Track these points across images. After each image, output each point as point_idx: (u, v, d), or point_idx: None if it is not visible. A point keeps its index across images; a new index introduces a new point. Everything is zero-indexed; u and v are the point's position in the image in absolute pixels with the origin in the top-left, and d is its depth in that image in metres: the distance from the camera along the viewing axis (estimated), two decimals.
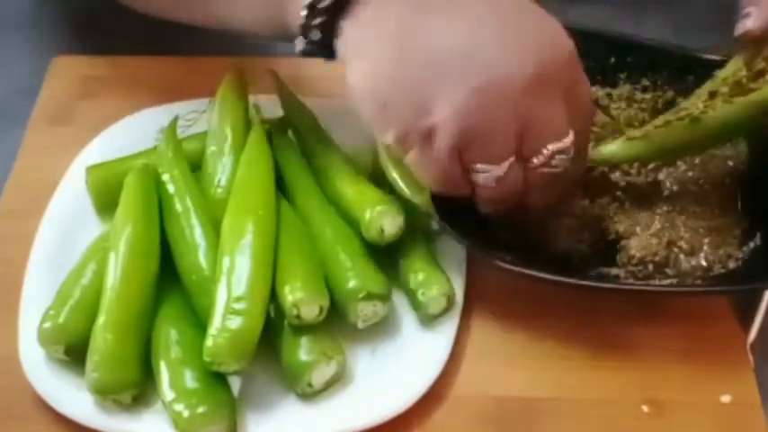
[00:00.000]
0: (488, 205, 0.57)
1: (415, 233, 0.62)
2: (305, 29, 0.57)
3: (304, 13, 0.56)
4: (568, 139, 0.54)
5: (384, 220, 0.60)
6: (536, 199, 0.57)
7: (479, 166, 0.54)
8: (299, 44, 0.58)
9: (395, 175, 0.64)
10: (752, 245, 0.61)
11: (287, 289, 0.57)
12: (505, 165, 0.54)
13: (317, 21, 0.56)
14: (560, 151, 0.54)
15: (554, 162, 0.54)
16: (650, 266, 0.60)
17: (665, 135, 0.58)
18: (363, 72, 0.56)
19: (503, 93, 0.52)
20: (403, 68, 0.54)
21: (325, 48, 0.57)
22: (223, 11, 0.63)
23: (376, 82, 0.55)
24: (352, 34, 0.56)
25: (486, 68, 0.52)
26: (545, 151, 0.54)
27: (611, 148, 0.60)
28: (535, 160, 0.54)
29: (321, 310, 0.57)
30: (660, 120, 0.60)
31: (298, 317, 0.56)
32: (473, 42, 0.53)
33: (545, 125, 0.53)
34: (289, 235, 0.60)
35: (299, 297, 0.56)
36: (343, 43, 0.56)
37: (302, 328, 0.57)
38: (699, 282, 0.59)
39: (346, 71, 0.56)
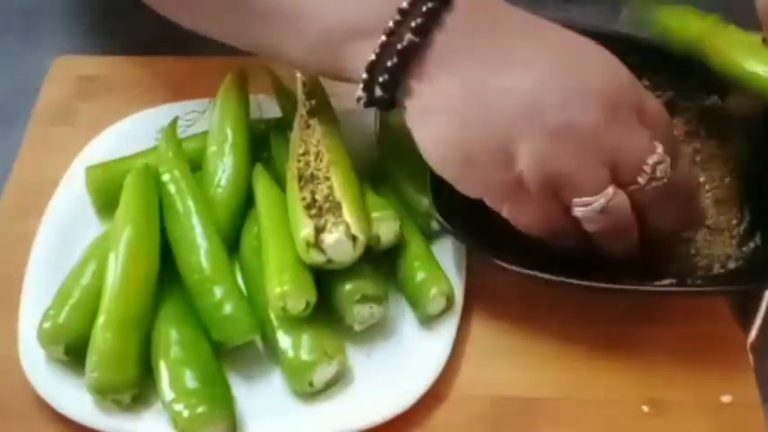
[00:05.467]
0: (610, 241, 0.56)
1: (414, 233, 0.62)
2: (367, 85, 0.55)
3: (364, 76, 0.55)
4: (660, 149, 0.53)
5: (380, 228, 0.60)
6: (659, 220, 0.56)
7: (576, 200, 0.53)
8: (361, 99, 0.56)
9: (397, 175, 0.64)
10: (752, 245, 0.61)
11: (274, 281, 0.57)
12: (603, 194, 0.53)
13: (381, 79, 0.54)
14: (658, 162, 0.53)
15: (658, 174, 0.53)
16: (650, 266, 0.60)
17: None
18: (437, 136, 0.55)
19: (579, 131, 0.52)
20: (478, 127, 0.53)
21: (387, 101, 0.56)
22: (270, 40, 0.60)
23: (453, 144, 0.54)
24: (420, 93, 0.55)
25: (557, 112, 0.52)
26: (645, 168, 0.53)
27: None
28: (640, 180, 0.53)
29: (307, 304, 0.57)
30: None
31: (283, 309, 0.56)
32: (536, 87, 0.53)
33: (632, 149, 0.53)
34: (280, 231, 0.60)
35: (286, 290, 0.56)
36: (409, 102, 0.55)
37: (303, 328, 0.57)
38: (699, 282, 0.59)
39: (416, 132, 0.56)
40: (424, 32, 0.53)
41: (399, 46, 0.53)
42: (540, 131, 0.52)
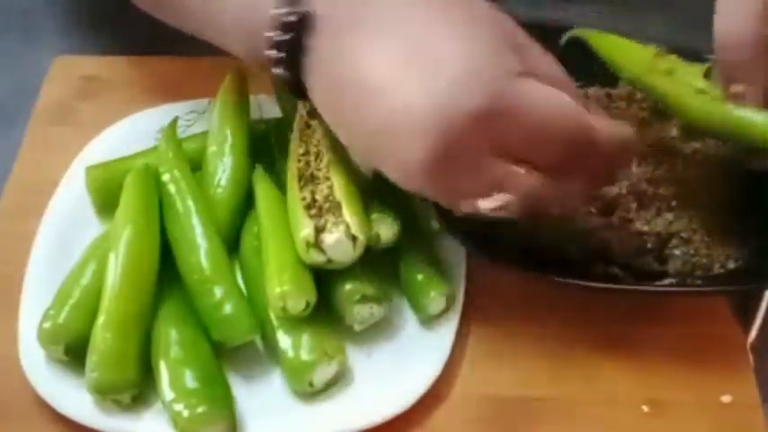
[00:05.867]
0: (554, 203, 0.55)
1: (414, 233, 0.62)
2: (275, 63, 0.56)
3: (272, 54, 0.55)
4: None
5: (380, 228, 0.60)
6: (587, 173, 0.55)
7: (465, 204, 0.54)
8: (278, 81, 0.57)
9: None
10: (752, 245, 0.61)
11: (274, 281, 0.57)
12: (494, 198, 0.53)
13: (282, 55, 0.55)
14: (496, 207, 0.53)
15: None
16: (650, 266, 0.60)
17: None
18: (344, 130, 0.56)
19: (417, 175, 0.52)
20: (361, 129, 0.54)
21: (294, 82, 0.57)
22: (195, 25, 0.63)
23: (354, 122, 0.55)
24: (310, 84, 0.56)
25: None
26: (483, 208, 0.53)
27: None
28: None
29: (307, 304, 0.57)
30: None
31: (283, 309, 0.56)
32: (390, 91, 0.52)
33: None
34: (280, 231, 0.60)
35: (286, 290, 0.56)
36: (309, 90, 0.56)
37: (303, 328, 0.57)
38: (699, 282, 0.59)
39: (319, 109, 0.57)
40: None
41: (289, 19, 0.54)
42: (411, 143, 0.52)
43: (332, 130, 0.57)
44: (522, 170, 0.52)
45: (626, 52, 0.62)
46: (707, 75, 0.58)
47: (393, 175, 0.54)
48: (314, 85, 0.55)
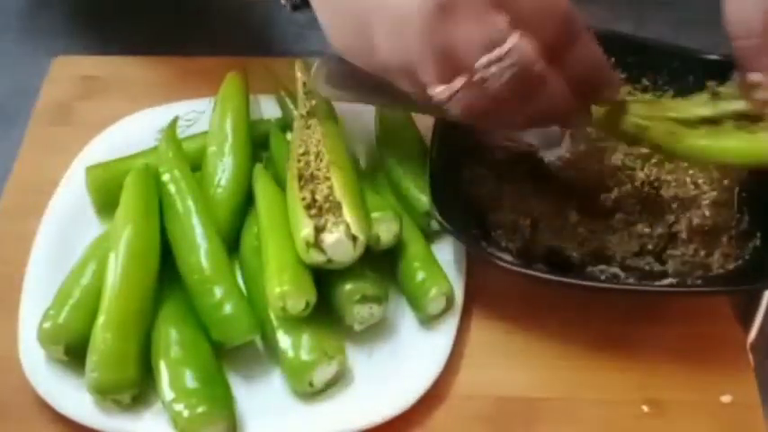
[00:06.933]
0: (478, 121, 0.55)
1: (414, 233, 0.62)
2: None
3: None
4: (500, 49, 0.51)
5: (380, 228, 0.60)
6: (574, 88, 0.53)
7: (479, 62, 0.51)
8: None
9: (397, 174, 0.64)
10: (752, 245, 0.61)
11: (274, 281, 0.57)
12: (505, 44, 0.51)
13: None
14: (497, 59, 0.51)
15: (492, 71, 0.51)
16: (650, 266, 0.60)
17: None
18: (327, 24, 0.56)
19: (408, 27, 0.52)
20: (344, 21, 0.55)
21: None
22: None
23: (339, 35, 0.55)
24: None
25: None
26: (483, 60, 0.51)
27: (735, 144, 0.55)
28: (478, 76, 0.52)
29: (307, 304, 0.57)
30: None
31: (283, 309, 0.56)
32: None
33: (464, 41, 0.51)
34: (280, 231, 0.59)
35: (286, 290, 0.56)
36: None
37: (303, 328, 0.57)
38: (699, 282, 0.59)
39: (320, 16, 0.57)
40: None
41: None
42: (382, 26, 0.52)
43: (319, 16, 0.56)
44: (519, 33, 0.50)
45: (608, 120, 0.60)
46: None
47: (384, 39, 0.53)
48: None
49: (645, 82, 0.67)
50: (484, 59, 0.51)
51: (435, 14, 0.51)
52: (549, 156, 0.63)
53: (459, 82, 0.52)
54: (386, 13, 0.52)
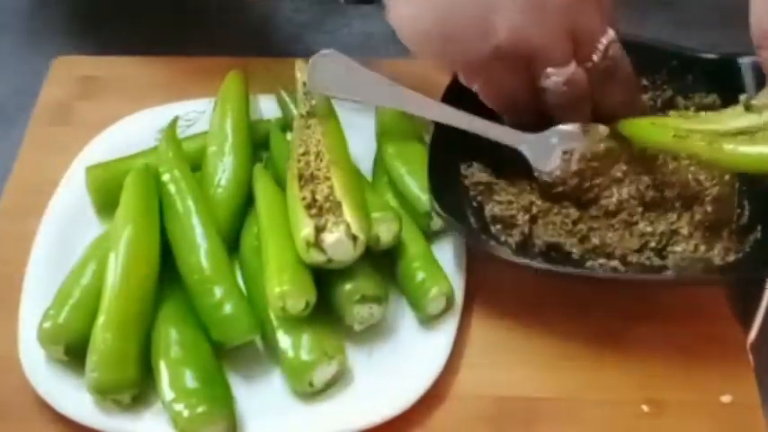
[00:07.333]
0: (567, 114, 0.61)
1: (414, 233, 0.62)
2: None
3: None
4: (612, 31, 0.59)
5: (380, 228, 0.60)
6: (609, 100, 0.61)
7: (550, 70, 0.58)
8: None
9: (397, 174, 0.64)
10: (752, 237, 0.61)
11: (274, 281, 0.57)
12: (573, 65, 0.58)
13: None
14: (612, 41, 0.59)
15: (610, 53, 0.59)
16: (650, 260, 0.60)
17: None
18: (417, 13, 0.59)
19: (552, 4, 0.57)
20: (456, 3, 0.58)
21: None
22: None
23: (434, 20, 0.58)
24: None
25: None
26: (600, 46, 0.59)
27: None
28: (595, 57, 0.59)
29: (307, 304, 0.57)
30: None
31: (283, 309, 0.56)
32: None
33: (591, 24, 0.58)
34: (280, 231, 0.59)
35: (286, 290, 0.56)
36: None
37: (303, 328, 0.57)
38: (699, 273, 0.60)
39: (395, 11, 0.60)
40: None
41: None
42: (516, 4, 0.57)
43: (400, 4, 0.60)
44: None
45: (647, 131, 0.62)
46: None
47: (515, 17, 0.57)
48: None
49: (644, 82, 0.67)
50: (604, 41, 0.58)
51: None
52: (543, 171, 0.63)
53: (572, 66, 0.58)
54: None
